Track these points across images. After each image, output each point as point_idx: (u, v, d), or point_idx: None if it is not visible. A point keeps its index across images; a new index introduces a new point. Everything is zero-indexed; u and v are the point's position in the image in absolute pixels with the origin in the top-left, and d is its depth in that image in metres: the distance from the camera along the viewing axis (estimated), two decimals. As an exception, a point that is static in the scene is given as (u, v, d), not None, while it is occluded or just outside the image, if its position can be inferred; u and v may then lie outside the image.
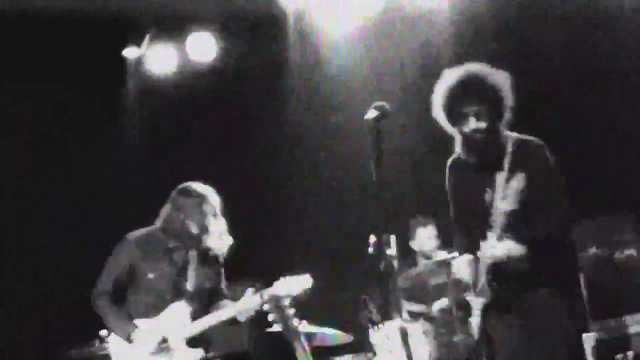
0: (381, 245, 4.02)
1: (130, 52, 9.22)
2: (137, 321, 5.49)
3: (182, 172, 9.08)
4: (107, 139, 9.23)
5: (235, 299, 5.57)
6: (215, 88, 9.13)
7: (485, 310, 4.84)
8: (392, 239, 4.05)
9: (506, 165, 4.70)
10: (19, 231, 8.59)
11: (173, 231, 5.69)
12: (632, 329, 6.29)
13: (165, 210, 5.88)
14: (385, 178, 4.12)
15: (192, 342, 5.47)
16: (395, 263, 4.09)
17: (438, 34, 8.29)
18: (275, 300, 4.57)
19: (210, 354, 7.48)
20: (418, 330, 6.50)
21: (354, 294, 6.63)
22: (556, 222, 4.67)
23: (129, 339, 5.41)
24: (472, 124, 4.71)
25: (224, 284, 5.92)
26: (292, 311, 4.56)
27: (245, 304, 5.33)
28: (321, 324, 6.17)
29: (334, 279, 8.31)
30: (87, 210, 8.88)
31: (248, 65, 9.04)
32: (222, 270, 5.83)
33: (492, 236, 4.62)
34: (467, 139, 4.76)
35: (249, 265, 8.42)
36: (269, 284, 7.29)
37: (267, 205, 8.95)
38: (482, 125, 4.71)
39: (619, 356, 6.13)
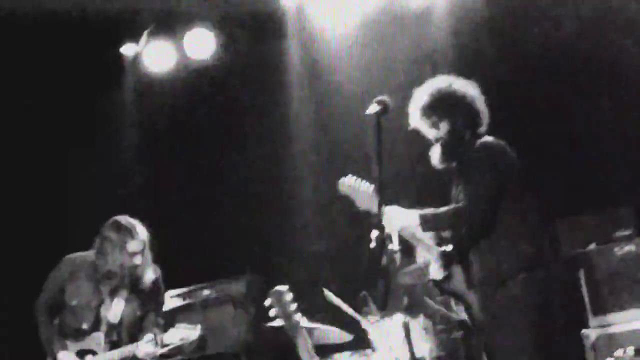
0: (383, 240, 4.02)
1: (128, 49, 9.20)
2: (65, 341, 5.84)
3: (179, 169, 9.14)
4: (104, 136, 9.23)
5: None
6: (214, 85, 9.12)
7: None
8: (394, 233, 4.06)
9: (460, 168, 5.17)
10: (13, 228, 8.59)
11: (100, 264, 5.92)
12: (632, 325, 6.28)
13: (97, 241, 6.10)
14: (386, 173, 4.12)
15: None
16: (397, 258, 4.10)
17: (436, 31, 8.29)
18: (278, 296, 4.56)
19: (208, 353, 7.51)
20: (418, 327, 6.48)
21: (354, 290, 6.60)
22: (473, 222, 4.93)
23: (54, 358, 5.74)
24: (433, 133, 5.23)
25: (153, 316, 6.15)
26: (294, 306, 4.56)
27: (140, 349, 5.77)
28: (321, 320, 6.17)
29: (334, 275, 8.32)
30: (83, 206, 8.87)
31: (246, 62, 9.03)
32: (154, 302, 6.09)
33: None
34: (436, 146, 5.23)
35: (249, 259, 8.44)
36: (268, 278, 7.34)
37: (267, 200, 8.94)
38: (442, 133, 5.19)
39: (618, 352, 6.12)
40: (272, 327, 4.87)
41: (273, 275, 7.72)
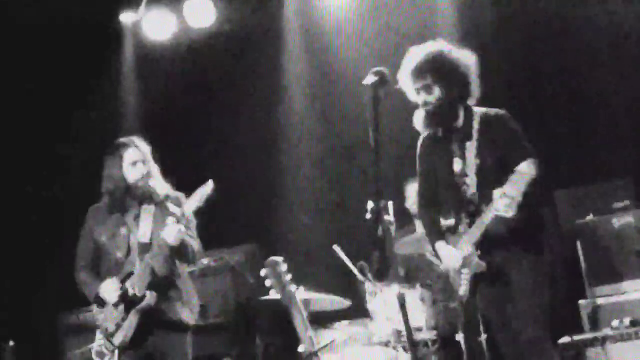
0: (379, 211, 4.02)
1: (127, 17, 9.17)
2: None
3: (178, 138, 9.13)
4: (104, 104, 9.21)
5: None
6: (213, 53, 9.10)
7: (475, 280, 5.11)
8: (390, 205, 4.07)
9: (475, 136, 5.06)
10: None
11: (108, 187, 5.72)
12: (629, 296, 6.31)
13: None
14: (384, 144, 4.10)
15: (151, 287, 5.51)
16: (393, 229, 4.10)
17: (438, 2, 8.27)
18: (273, 267, 4.56)
19: (207, 321, 7.56)
20: (415, 297, 6.50)
21: (351, 260, 6.62)
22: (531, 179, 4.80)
23: (97, 299, 5.55)
24: (422, 97, 5.13)
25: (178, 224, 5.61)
26: (289, 277, 4.56)
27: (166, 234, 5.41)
28: (318, 290, 6.19)
29: (332, 244, 8.34)
30: (83, 176, 8.87)
31: (245, 31, 9.01)
32: (178, 212, 5.55)
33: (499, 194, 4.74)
34: (421, 111, 5.17)
35: (248, 230, 8.46)
36: (266, 249, 7.36)
37: (266, 170, 8.95)
38: (431, 98, 5.11)
39: (615, 322, 6.14)
40: (269, 298, 4.88)
41: (271, 246, 7.77)
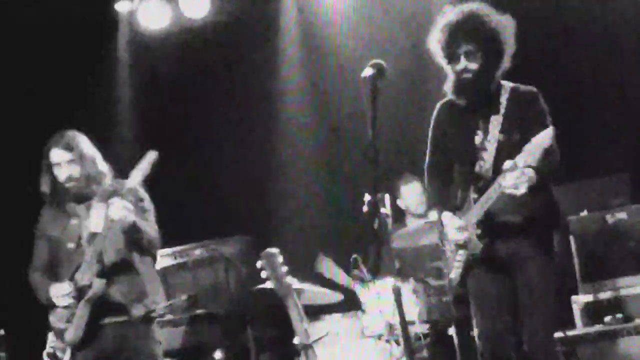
0: (375, 203, 4.02)
1: (122, 6, 9.13)
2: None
3: (172, 128, 9.11)
4: (98, 94, 9.18)
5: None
6: (208, 44, 9.07)
7: (469, 264, 4.88)
8: (387, 197, 4.05)
9: (502, 110, 4.78)
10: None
11: (43, 193, 5.56)
12: (622, 292, 6.32)
13: None
14: (381, 136, 4.10)
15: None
16: (390, 222, 4.09)
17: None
18: (269, 258, 4.56)
19: (199, 312, 7.55)
20: (408, 290, 6.51)
21: (345, 252, 6.62)
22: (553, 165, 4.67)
23: (48, 302, 5.37)
24: (463, 63, 4.75)
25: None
26: (285, 269, 4.57)
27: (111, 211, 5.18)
28: (312, 282, 6.19)
29: (326, 238, 8.34)
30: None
31: (241, 21, 8.98)
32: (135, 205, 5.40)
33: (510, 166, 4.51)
34: (457, 78, 4.81)
35: (246, 222, 8.44)
36: (260, 240, 7.35)
37: (260, 161, 8.94)
38: (473, 66, 4.74)
39: (608, 318, 6.15)
40: (263, 289, 4.88)
41: (265, 237, 7.75)
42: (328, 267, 6.62)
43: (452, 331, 6.46)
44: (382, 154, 4.09)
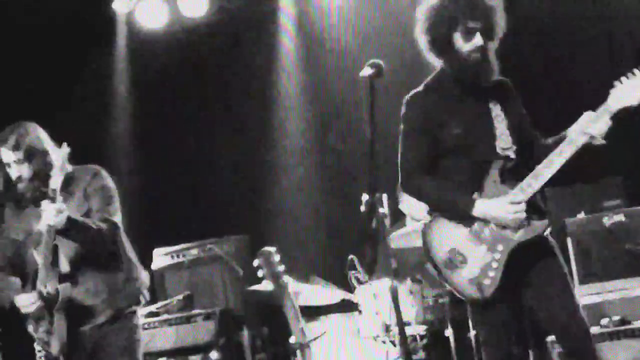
0: (373, 203, 4.01)
1: (120, 5, 9.12)
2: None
3: (170, 127, 9.10)
4: (95, 93, 9.17)
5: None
6: (206, 43, 9.07)
7: (516, 249, 4.41)
8: (385, 197, 4.04)
9: (496, 96, 4.61)
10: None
11: None
12: (618, 294, 6.31)
13: None
14: (379, 136, 4.10)
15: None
16: (387, 222, 4.09)
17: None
18: (266, 257, 4.55)
19: (194, 312, 7.54)
20: (404, 291, 6.51)
21: (342, 252, 6.62)
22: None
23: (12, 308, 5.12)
24: (477, 40, 4.45)
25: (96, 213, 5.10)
26: (282, 268, 4.55)
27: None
28: (309, 282, 6.20)
29: (324, 238, 8.34)
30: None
31: (239, 21, 8.98)
32: (91, 200, 5.05)
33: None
34: (466, 58, 4.49)
35: (242, 222, 8.44)
36: (256, 239, 7.34)
37: (256, 161, 8.94)
38: (480, 44, 4.47)
39: (604, 320, 6.15)
40: (259, 289, 4.87)
41: (261, 236, 7.75)
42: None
43: (448, 332, 6.45)
44: (381, 154, 4.08)
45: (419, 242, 6.64)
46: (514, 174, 4.48)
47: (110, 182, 5.21)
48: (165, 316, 7.53)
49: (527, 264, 4.45)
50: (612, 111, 4.40)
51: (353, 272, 6.59)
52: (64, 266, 4.98)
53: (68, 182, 4.99)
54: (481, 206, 4.43)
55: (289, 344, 4.61)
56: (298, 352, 4.56)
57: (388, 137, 5.83)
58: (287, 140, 8.86)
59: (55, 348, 4.93)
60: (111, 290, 5.07)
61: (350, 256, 6.59)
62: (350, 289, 6.65)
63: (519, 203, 4.38)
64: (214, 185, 8.94)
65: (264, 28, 8.94)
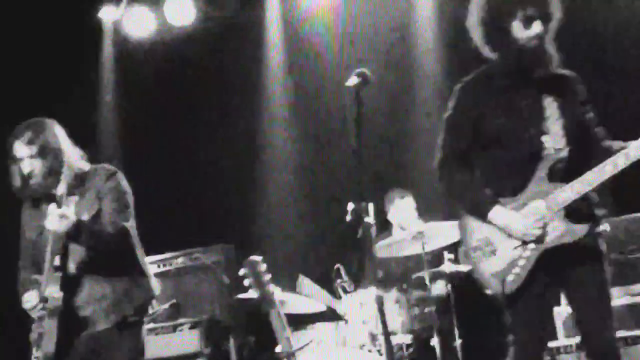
0: (359, 212, 4.01)
1: (106, 14, 9.12)
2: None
3: (157, 136, 9.09)
4: (82, 102, 9.15)
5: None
6: (193, 52, 9.07)
7: (553, 250, 4.28)
8: (371, 206, 4.04)
9: (554, 89, 4.37)
10: None
11: (14, 190, 5.12)
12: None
13: None
14: (365, 146, 4.10)
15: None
16: (374, 231, 4.09)
17: (420, 2, 8.30)
18: (252, 266, 4.54)
19: (180, 321, 7.53)
20: (391, 300, 6.51)
21: (328, 261, 6.62)
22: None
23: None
24: (536, 28, 4.28)
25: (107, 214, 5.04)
26: (268, 277, 4.54)
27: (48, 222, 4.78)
28: (296, 288, 6.20)
29: (310, 247, 8.33)
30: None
31: (226, 29, 8.99)
32: (100, 200, 4.98)
33: None
34: (524, 46, 4.29)
35: (228, 231, 8.43)
36: (242, 249, 7.33)
37: (243, 170, 8.94)
38: (538, 31, 4.28)
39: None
40: (245, 297, 4.86)
41: (247, 245, 7.74)
42: (308, 287, 6.59)
43: (434, 341, 6.46)
44: (368, 162, 4.09)
45: (405, 252, 6.73)
46: (563, 174, 4.29)
47: (125, 185, 5.18)
48: (151, 325, 7.51)
49: (568, 265, 4.31)
50: None
51: (339, 281, 6.60)
52: (72, 270, 4.90)
53: (82, 181, 4.99)
54: (497, 213, 4.34)
55: (275, 353, 4.60)
56: (284, 361, 4.56)
57: (374, 146, 5.84)
58: (274, 149, 8.87)
59: (43, 350, 4.81)
60: (116, 296, 4.96)
61: (337, 265, 6.59)
62: (336, 298, 6.66)
63: (539, 221, 4.25)
64: (200, 194, 8.93)
65: (251, 37, 8.95)
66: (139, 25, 9.06)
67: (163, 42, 9.08)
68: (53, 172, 4.97)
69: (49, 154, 4.98)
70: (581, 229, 4.25)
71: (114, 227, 4.97)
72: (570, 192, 4.22)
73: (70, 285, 4.86)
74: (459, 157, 4.51)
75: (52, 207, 4.75)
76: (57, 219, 4.72)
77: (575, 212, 4.27)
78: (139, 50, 9.14)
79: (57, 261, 4.85)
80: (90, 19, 9.14)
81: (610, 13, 7.57)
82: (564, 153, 4.29)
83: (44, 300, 4.84)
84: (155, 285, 5.23)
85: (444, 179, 4.56)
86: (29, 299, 4.93)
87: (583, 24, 7.26)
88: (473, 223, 4.44)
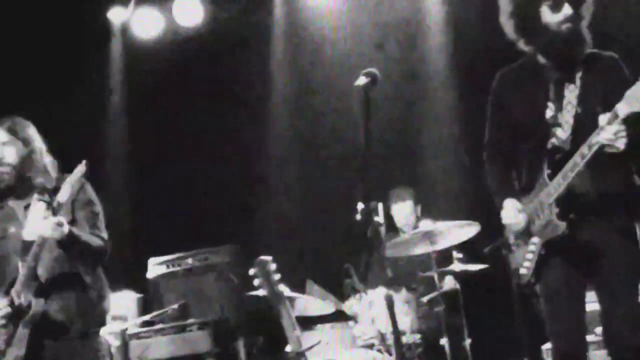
0: (369, 212, 4.01)
1: (115, 15, 9.14)
2: None
3: (165, 137, 9.10)
4: (89, 103, 9.17)
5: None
6: (201, 52, 9.08)
7: (545, 253, 4.28)
8: (380, 206, 4.05)
9: (579, 78, 4.27)
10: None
11: None
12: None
13: None
14: (374, 145, 4.10)
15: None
16: (383, 230, 4.09)
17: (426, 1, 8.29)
18: (262, 266, 4.54)
19: (189, 321, 7.52)
20: (400, 300, 6.50)
21: (338, 261, 6.61)
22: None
23: None
24: (565, 11, 4.19)
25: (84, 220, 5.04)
26: (278, 277, 4.55)
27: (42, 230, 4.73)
28: (304, 292, 6.19)
29: (319, 247, 8.32)
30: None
31: (233, 30, 8.99)
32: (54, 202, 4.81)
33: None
34: (557, 30, 4.20)
35: (235, 231, 8.43)
36: (251, 249, 7.33)
37: (252, 169, 8.94)
38: (577, 18, 4.19)
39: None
40: (255, 297, 4.87)
41: (256, 246, 7.74)
42: (316, 292, 6.59)
43: (443, 341, 6.45)
44: (376, 162, 4.08)
45: (416, 250, 6.72)
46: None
47: (94, 196, 5.17)
48: (159, 325, 7.51)
49: (592, 258, 4.22)
50: (621, 116, 3.93)
51: (349, 280, 6.59)
52: (42, 279, 4.87)
53: (54, 189, 4.94)
54: (504, 207, 4.38)
55: (284, 352, 4.60)
56: (294, 361, 4.57)
57: (382, 145, 5.83)
58: (283, 150, 8.86)
59: (10, 358, 4.77)
60: (83, 307, 4.97)
61: (346, 265, 6.59)
62: (344, 297, 6.65)
63: (520, 217, 4.30)
64: (209, 195, 8.93)
65: (258, 37, 8.95)
66: (147, 26, 9.06)
67: (171, 42, 9.08)
68: (25, 166, 4.98)
69: (30, 148, 5.01)
70: (561, 227, 4.19)
71: (101, 238, 5.01)
72: (553, 186, 4.20)
73: (41, 295, 4.85)
74: (494, 146, 4.54)
75: (48, 213, 4.72)
76: (53, 226, 4.69)
77: (565, 206, 4.21)
78: (147, 50, 9.14)
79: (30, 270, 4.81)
80: (99, 19, 9.14)
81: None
82: (566, 144, 4.23)
83: (18, 307, 4.80)
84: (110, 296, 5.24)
85: (486, 172, 4.60)
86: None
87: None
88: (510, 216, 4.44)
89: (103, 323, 5.13)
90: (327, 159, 8.57)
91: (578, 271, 4.28)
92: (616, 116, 3.91)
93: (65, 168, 5.10)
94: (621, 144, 3.94)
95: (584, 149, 4.04)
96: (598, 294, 4.30)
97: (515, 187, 4.46)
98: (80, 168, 4.84)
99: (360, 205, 4.00)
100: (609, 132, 3.92)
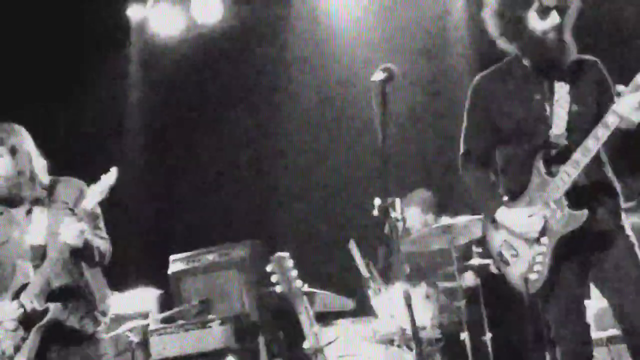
0: (386, 208, 3.99)
1: (134, 12, 9.17)
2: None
3: (185, 133, 9.13)
4: (108, 99, 9.21)
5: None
6: (220, 49, 9.09)
7: (559, 251, 4.23)
8: (397, 202, 4.03)
9: (568, 78, 4.28)
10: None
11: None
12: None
13: None
14: (391, 141, 4.09)
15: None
16: (400, 226, 4.07)
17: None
18: (280, 262, 4.54)
19: (210, 317, 7.55)
20: (420, 294, 6.49)
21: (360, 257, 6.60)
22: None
23: None
24: (552, 19, 4.18)
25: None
26: (295, 273, 4.55)
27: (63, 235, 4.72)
28: (323, 287, 6.19)
29: (338, 242, 8.32)
30: (89, 172, 8.86)
31: (252, 27, 9.00)
32: (79, 209, 4.84)
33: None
34: (541, 38, 4.20)
35: (254, 225, 8.45)
36: (270, 245, 7.34)
37: (270, 165, 8.94)
38: (558, 21, 4.18)
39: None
40: (273, 293, 4.87)
41: (275, 241, 7.75)
42: (356, 253, 6.55)
43: (464, 336, 6.43)
44: (394, 157, 4.07)
45: (432, 246, 6.70)
46: (563, 161, 4.19)
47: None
48: (181, 321, 7.55)
49: (596, 255, 4.24)
50: None
51: (368, 275, 6.58)
52: (55, 284, 4.87)
53: (50, 192, 4.97)
54: (501, 214, 4.35)
55: (303, 348, 4.60)
56: (312, 357, 4.56)
57: (399, 141, 5.80)
58: (302, 146, 8.85)
59: None
60: (88, 310, 4.98)
61: (365, 260, 6.58)
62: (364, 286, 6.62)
63: (536, 217, 4.22)
64: (228, 191, 8.95)
65: (278, 34, 8.95)
66: (166, 23, 9.09)
67: (190, 39, 9.10)
68: (23, 176, 4.94)
69: (19, 155, 4.94)
70: (580, 216, 4.14)
71: (107, 242, 5.04)
72: (560, 179, 4.16)
73: (54, 299, 4.84)
74: (478, 154, 4.52)
75: (72, 220, 4.72)
76: (76, 233, 4.72)
77: (582, 197, 4.18)
78: (165, 47, 9.17)
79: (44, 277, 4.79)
80: (118, 16, 9.18)
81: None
82: (561, 139, 4.23)
83: (32, 312, 4.77)
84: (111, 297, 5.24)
85: (464, 176, 4.58)
86: (8, 309, 4.81)
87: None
88: (492, 229, 4.44)
89: (103, 325, 5.11)
90: (348, 154, 8.56)
91: (586, 268, 4.26)
92: (637, 86, 3.89)
93: (85, 167, 5.11)
94: (638, 117, 3.92)
95: (597, 131, 4.01)
96: (607, 289, 4.27)
97: (500, 194, 4.41)
98: (110, 176, 4.82)
99: (377, 201, 3.99)
100: (631, 102, 3.90)
